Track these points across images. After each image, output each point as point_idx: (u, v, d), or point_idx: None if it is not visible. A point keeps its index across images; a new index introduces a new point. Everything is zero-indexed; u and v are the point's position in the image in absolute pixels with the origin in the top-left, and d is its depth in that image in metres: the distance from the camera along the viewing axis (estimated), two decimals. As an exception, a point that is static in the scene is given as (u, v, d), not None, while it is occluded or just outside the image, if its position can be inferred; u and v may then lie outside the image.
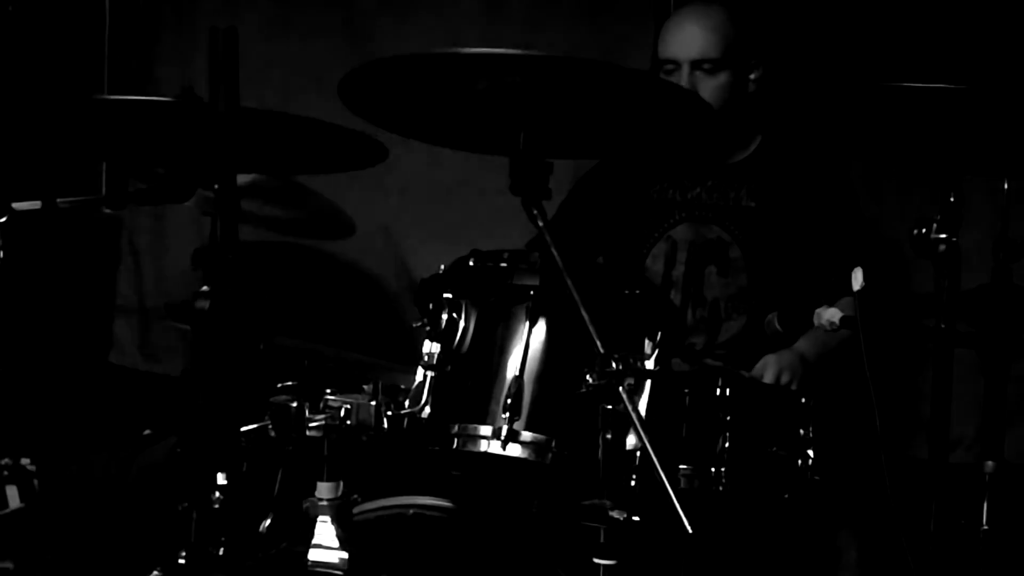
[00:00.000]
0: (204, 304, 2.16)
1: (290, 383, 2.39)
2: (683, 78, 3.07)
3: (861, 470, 2.89)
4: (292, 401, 2.36)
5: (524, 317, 2.33)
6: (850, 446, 2.72)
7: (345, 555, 2.29)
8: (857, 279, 2.33)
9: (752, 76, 3.17)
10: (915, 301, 3.26)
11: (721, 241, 3.17)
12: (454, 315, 2.37)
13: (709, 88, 3.07)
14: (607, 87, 2.30)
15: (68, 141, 2.52)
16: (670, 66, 3.11)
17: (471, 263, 2.40)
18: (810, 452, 2.40)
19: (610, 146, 2.72)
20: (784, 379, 2.85)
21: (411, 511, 2.48)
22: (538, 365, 2.31)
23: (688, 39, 3.09)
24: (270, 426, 2.39)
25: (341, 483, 2.33)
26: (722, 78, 3.10)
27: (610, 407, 2.13)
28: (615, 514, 2.13)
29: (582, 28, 3.83)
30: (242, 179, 2.77)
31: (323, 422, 2.34)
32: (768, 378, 2.85)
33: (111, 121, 2.41)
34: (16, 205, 2.50)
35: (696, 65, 3.08)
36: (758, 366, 2.88)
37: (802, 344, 2.96)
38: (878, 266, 3.00)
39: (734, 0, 3.20)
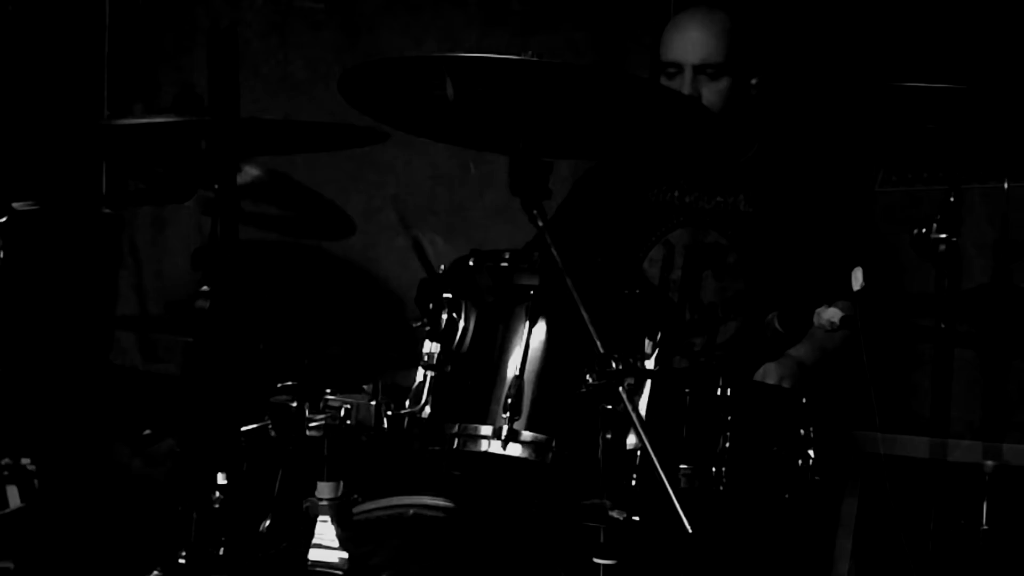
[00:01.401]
0: (204, 304, 2.17)
1: (290, 383, 2.39)
2: (686, 82, 3.07)
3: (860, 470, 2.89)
4: (292, 401, 2.36)
5: (524, 317, 2.33)
6: (849, 446, 2.72)
7: (345, 555, 2.29)
8: (857, 279, 2.33)
9: (753, 80, 3.16)
10: (910, 301, 3.27)
11: (719, 246, 3.17)
12: (454, 315, 2.37)
13: (711, 92, 3.07)
14: (606, 92, 2.30)
15: (69, 157, 2.53)
16: (672, 69, 3.10)
17: (471, 263, 2.40)
18: (810, 452, 2.40)
19: (610, 148, 2.72)
20: (785, 387, 2.85)
21: (411, 511, 2.48)
22: (538, 365, 2.31)
23: (692, 43, 3.08)
24: (270, 426, 2.39)
25: (341, 483, 2.33)
26: (724, 82, 3.09)
27: (610, 407, 2.13)
28: (615, 514, 2.13)
29: (580, 32, 3.83)
30: (242, 178, 2.77)
31: (323, 422, 2.33)
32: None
33: (113, 141, 2.41)
34: (16, 205, 2.50)
35: (699, 69, 3.08)
36: (758, 373, 2.88)
37: (800, 350, 2.96)
38: (877, 267, 3.00)
39: (735, 3, 3.19)
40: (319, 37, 4.07)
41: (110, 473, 3.46)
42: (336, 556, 2.29)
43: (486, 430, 2.29)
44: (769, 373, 2.87)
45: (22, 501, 2.94)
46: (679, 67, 3.09)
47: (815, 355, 2.96)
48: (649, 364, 2.32)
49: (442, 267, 2.44)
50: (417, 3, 4.00)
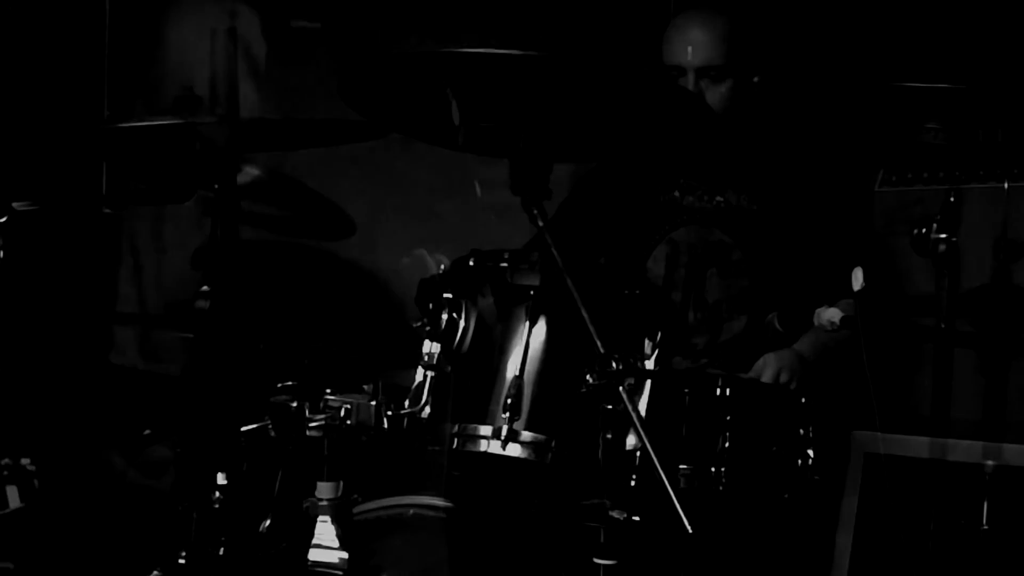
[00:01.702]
0: (204, 304, 2.17)
1: (290, 383, 2.39)
2: (689, 85, 3.07)
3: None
4: (292, 401, 2.36)
5: (524, 317, 2.33)
6: (848, 445, 2.72)
7: (345, 555, 2.29)
8: (857, 279, 2.33)
9: (755, 79, 3.16)
10: (910, 301, 3.27)
11: (723, 244, 3.17)
12: (454, 315, 2.37)
13: (714, 95, 3.07)
14: (608, 86, 2.29)
15: (69, 157, 2.53)
16: (675, 73, 3.10)
17: (471, 263, 2.40)
18: (810, 452, 2.40)
19: (613, 148, 2.72)
20: (783, 378, 2.85)
21: (411, 511, 2.48)
22: (538, 365, 2.31)
23: (694, 46, 3.08)
24: (270, 426, 2.39)
25: (341, 483, 2.33)
26: (727, 84, 3.09)
27: (610, 407, 2.13)
28: (615, 514, 2.13)
29: (579, 34, 3.83)
30: (242, 178, 2.77)
31: (323, 422, 2.34)
32: (767, 377, 2.85)
33: (113, 142, 2.42)
34: (16, 205, 2.50)
35: (702, 73, 3.07)
36: (757, 364, 2.88)
37: (801, 344, 2.96)
38: (877, 267, 3.00)
39: (735, 4, 3.19)
40: (315, 55, 4.08)
41: (108, 476, 3.46)
42: (336, 556, 2.29)
43: (486, 430, 2.29)
44: (768, 364, 2.87)
45: (22, 501, 2.94)
46: (681, 71, 3.09)
47: (816, 350, 2.96)
48: (649, 364, 2.33)
49: (442, 267, 2.44)
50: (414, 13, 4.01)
